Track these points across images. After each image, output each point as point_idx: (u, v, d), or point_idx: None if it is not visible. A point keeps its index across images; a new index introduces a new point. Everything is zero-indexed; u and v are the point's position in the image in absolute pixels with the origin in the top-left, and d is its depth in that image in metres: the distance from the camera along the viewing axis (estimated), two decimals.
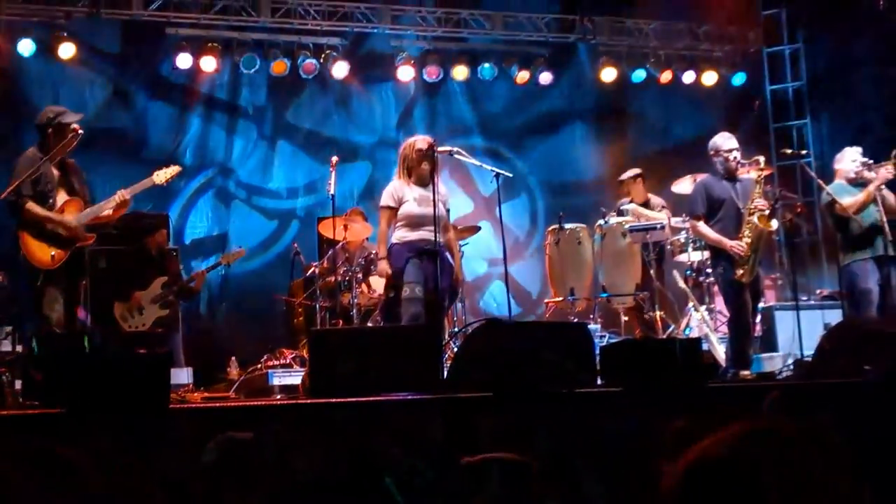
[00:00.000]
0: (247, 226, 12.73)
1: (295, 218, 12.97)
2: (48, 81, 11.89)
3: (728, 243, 8.73)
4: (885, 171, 9.39)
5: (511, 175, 9.89)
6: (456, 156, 9.06)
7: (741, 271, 8.66)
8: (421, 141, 8.81)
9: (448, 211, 8.96)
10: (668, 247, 11.26)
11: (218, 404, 6.82)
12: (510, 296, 9.34)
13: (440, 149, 8.77)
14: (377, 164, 13.08)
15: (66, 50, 11.71)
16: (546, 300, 11.58)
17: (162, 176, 8.46)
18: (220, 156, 12.88)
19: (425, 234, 8.43)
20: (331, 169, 9.39)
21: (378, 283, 9.99)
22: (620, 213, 11.40)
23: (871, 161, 9.50)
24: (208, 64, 12.47)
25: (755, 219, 8.72)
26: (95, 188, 8.60)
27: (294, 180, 13.11)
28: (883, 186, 9.40)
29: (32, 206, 7.70)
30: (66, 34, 11.73)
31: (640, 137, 14.18)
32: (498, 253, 9.89)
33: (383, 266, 8.65)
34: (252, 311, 12.12)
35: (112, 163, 11.26)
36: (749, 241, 8.67)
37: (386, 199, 8.73)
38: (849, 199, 9.35)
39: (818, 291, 11.70)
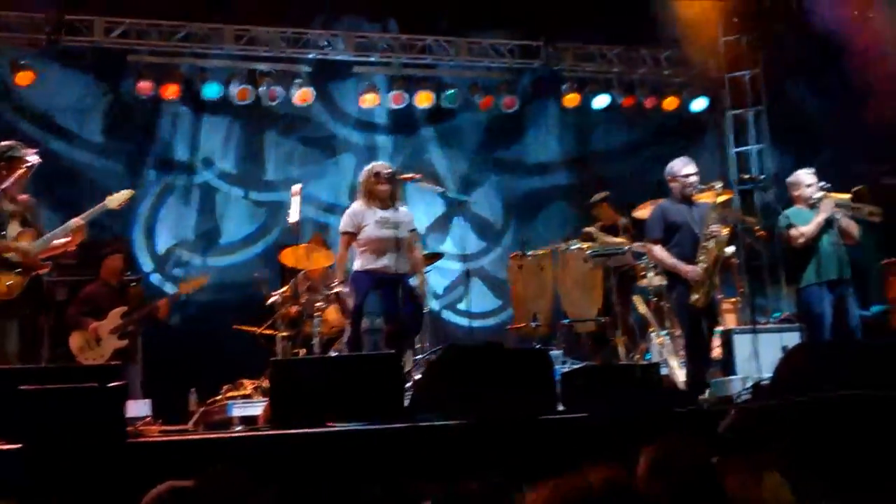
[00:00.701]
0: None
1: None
2: (5, 111, 11.84)
3: (683, 268, 8.74)
4: (830, 204, 9.42)
5: (473, 200, 9.94)
6: (417, 183, 9.09)
7: (696, 296, 8.66)
8: (380, 166, 8.85)
9: (413, 230, 8.97)
10: (631, 272, 11.32)
11: (176, 437, 6.77)
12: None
13: (403, 175, 8.80)
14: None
15: (24, 79, 11.66)
16: (509, 326, 11.61)
17: (115, 201, 8.40)
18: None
19: (387, 262, 8.43)
20: (293, 196, 9.37)
21: (341, 313, 9.99)
22: (586, 237, 11.44)
23: (823, 184, 9.56)
24: (170, 91, 12.43)
25: (711, 244, 8.74)
26: (51, 221, 8.52)
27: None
28: (838, 211, 9.47)
29: None
30: (25, 62, 11.68)
31: (603, 162, 14.26)
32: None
33: (343, 291, 8.69)
34: (213, 341, 12.06)
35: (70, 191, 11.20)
36: (705, 265, 8.70)
37: (345, 223, 8.73)
38: (802, 227, 9.40)
39: (777, 315, 11.79)
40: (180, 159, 12.95)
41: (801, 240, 9.33)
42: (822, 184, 9.50)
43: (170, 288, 11.63)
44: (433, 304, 12.22)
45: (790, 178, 9.77)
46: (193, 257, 12.69)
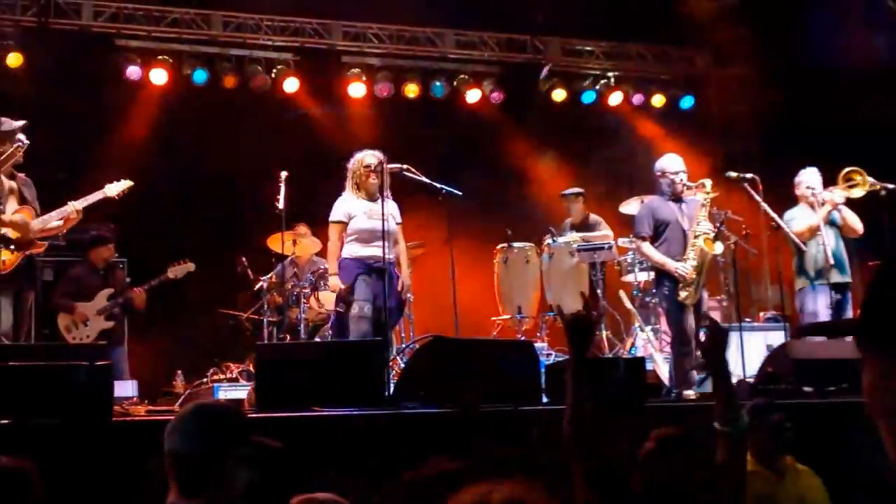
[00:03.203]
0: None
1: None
2: None
3: (672, 265, 8.77)
4: (832, 197, 9.52)
5: (461, 193, 9.93)
6: (405, 173, 9.09)
7: (685, 293, 8.70)
8: (370, 156, 8.85)
9: (399, 224, 8.98)
10: (617, 266, 11.37)
11: (162, 417, 6.77)
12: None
13: (389, 166, 8.80)
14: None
15: (13, 60, 11.62)
16: (493, 318, 11.61)
17: (113, 189, 8.40)
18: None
19: (375, 250, 8.45)
20: (279, 183, 9.37)
21: (326, 299, 9.99)
22: (570, 229, 11.50)
23: (818, 188, 9.61)
24: (158, 77, 12.42)
25: (700, 241, 8.77)
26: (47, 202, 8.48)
27: None
28: (840, 207, 9.53)
29: None
30: (12, 43, 11.64)
31: (589, 157, 14.27)
32: None
33: (334, 281, 8.68)
34: (198, 325, 12.05)
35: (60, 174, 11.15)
36: (694, 264, 8.73)
37: (336, 213, 8.77)
38: (803, 225, 9.46)
39: (761, 313, 11.84)
40: None
41: (802, 238, 9.38)
42: (816, 189, 9.56)
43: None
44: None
45: (796, 178, 9.83)
46: None
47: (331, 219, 8.85)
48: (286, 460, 3.59)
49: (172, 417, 3.50)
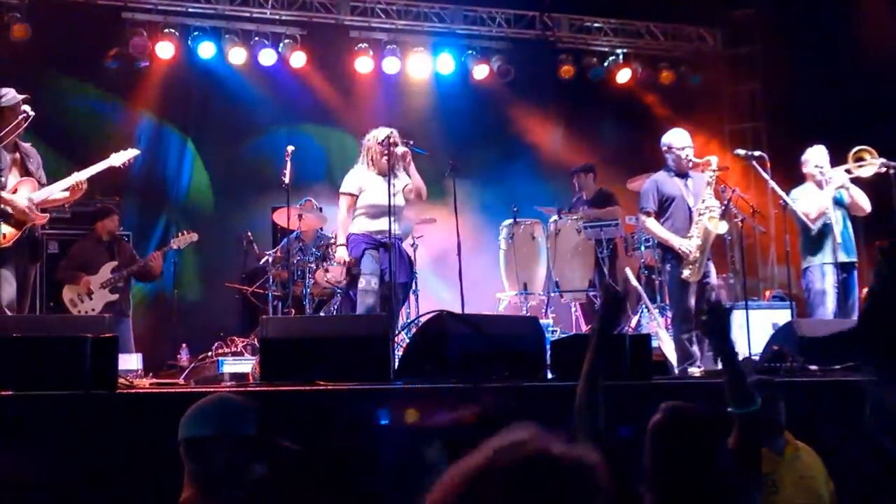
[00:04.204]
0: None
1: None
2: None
3: (676, 242, 8.73)
4: (839, 176, 9.47)
5: (467, 168, 9.94)
6: (411, 147, 9.07)
7: (688, 271, 8.67)
8: (383, 132, 8.83)
9: (408, 201, 8.96)
10: (623, 243, 11.37)
11: (167, 389, 6.77)
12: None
13: (401, 141, 8.78)
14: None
15: (19, 32, 11.58)
16: (498, 294, 11.60)
17: (118, 158, 8.35)
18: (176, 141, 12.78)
19: (384, 225, 8.43)
20: (286, 158, 9.37)
21: (332, 274, 9.99)
22: (574, 208, 11.50)
23: (826, 167, 9.57)
24: (164, 50, 12.38)
25: (705, 219, 8.73)
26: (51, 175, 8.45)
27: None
28: (848, 186, 9.49)
29: None
30: (18, 15, 11.59)
31: (598, 134, 14.24)
32: None
33: (342, 252, 8.66)
34: (204, 299, 12.06)
35: (66, 146, 11.13)
36: (698, 242, 8.70)
37: (347, 185, 8.77)
38: (811, 204, 9.42)
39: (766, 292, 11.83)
40: None
41: (810, 217, 9.34)
42: (823, 168, 9.52)
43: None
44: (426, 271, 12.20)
45: (803, 156, 9.78)
46: None
47: (341, 190, 8.85)
48: (302, 462, 3.60)
49: (190, 406, 3.50)
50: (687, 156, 8.97)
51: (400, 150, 8.67)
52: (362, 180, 8.70)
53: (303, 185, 11.82)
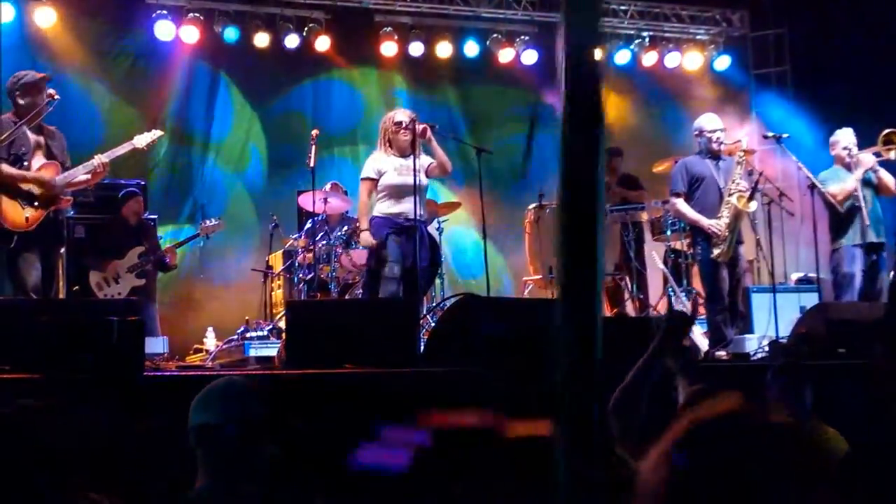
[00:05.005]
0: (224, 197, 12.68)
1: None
2: (25, 49, 11.77)
3: (706, 222, 8.74)
4: (867, 159, 9.40)
5: (492, 152, 9.91)
6: (436, 132, 9.08)
7: (718, 251, 8.67)
8: (401, 113, 8.84)
9: (430, 177, 8.95)
10: (650, 227, 11.32)
11: (193, 373, 6.79)
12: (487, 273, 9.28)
13: (421, 124, 8.76)
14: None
15: (46, 17, 11.61)
16: (525, 278, 11.58)
17: (143, 140, 8.36)
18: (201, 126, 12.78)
19: (407, 207, 8.42)
20: (311, 142, 9.39)
21: (358, 258, 9.99)
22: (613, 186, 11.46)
23: (854, 149, 9.50)
24: (189, 34, 12.37)
25: (734, 199, 8.72)
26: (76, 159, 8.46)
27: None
28: (876, 168, 9.42)
29: (5, 167, 7.60)
30: (44, 0, 11.62)
31: (623, 118, 14.15)
32: None
33: (366, 237, 8.65)
34: (230, 283, 12.08)
35: (89, 132, 11.16)
36: (727, 221, 8.68)
37: (367, 170, 8.76)
38: (838, 186, 9.36)
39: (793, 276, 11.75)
40: None
41: (838, 198, 9.28)
42: (852, 150, 9.45)
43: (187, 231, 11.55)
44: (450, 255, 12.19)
45: (831, 138, 9.72)
46: None
47: (361, 176, 8.86)
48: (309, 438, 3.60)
49: (200, 391, 3.50)
50: (718, 139, 8.96)
51: (419, 127, 8.63)
52: (381, 164, 8.68)
53: (327, 167, 11.85)
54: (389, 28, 13.32)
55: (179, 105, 12.60)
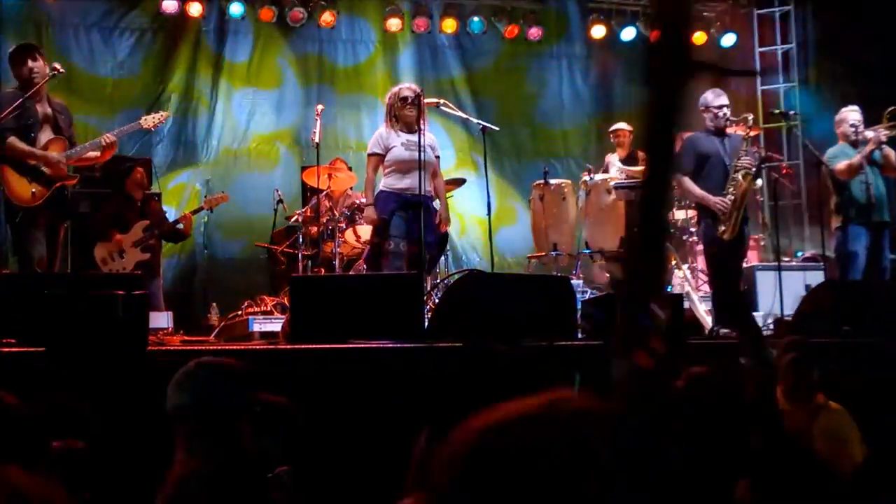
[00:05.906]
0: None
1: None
2: (31, 22, 11.76)
3: (711, 199, 8.69)
4: (876, 135, 9.37)
5: (498, 129, 9.89)
6: (442, 108, 9.05)
7: (723, 228, 8.63)
8: (406, 88, 8.80)
9: (438, 158, 8.93)
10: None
11: (197, 347, 6.80)
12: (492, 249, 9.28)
13: (427, 100, 8.74)
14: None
15: None
16: (529, 255, 11.57)
17: (150, 121, 8.39)
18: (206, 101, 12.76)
19: (413, 182, 8.39)
20: (315, 117, 9.38)
21: (362, 232, 9.99)
22: (607, 169, 11.43)
23: (860, 126, 9.48)
24: (194, 9, 12.34)
25: (740, 176, 8.68)
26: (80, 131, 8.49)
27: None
28: (883, 146, 9.39)
29: (14, 141, 7.62)
30: None
31: (629, 95, 14.12)
32: None
33: (370, 212, 8.63)
34: (233, 258, 12.09)
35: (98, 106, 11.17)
36: (733, 198, 8.64)
37: (373, 146, 8.73)
38: (843, 164, 9.33)
39: (800, 254, 11.74)
40: None
41: (844, 174, 9.25)
42: (859, 127, 9.42)
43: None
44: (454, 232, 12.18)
45: (837, 116, 9.68)
46: None
47: (367, 151, 8.83)
48: (294, 417, 3.59)
49: (178, 372, 3.48)
50: (724, 114, 8.90)
51: (428, 100, 8.61)
52: (387, 138, 8.65)
53: (331, 145, 11.85)
54: (394, 5, 13.27)
55: (184, 80, 12.58)
